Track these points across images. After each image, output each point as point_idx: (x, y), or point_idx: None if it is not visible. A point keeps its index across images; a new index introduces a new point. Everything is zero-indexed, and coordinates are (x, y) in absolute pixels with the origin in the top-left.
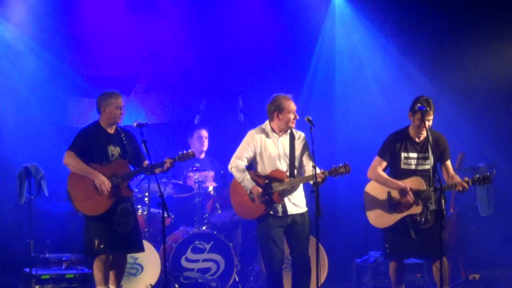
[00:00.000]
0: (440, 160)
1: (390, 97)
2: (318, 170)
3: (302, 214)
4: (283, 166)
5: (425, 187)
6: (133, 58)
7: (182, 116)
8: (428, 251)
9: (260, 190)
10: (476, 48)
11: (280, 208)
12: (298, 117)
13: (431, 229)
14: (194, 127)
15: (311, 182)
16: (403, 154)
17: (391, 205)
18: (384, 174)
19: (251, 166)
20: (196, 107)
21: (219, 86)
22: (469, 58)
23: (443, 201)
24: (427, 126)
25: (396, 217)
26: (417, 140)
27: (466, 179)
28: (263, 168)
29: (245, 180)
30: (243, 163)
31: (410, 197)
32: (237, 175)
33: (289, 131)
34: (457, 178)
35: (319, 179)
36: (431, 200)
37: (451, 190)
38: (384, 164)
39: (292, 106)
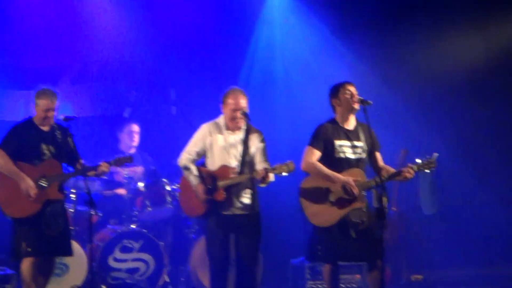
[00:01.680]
0: (371, 151)
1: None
2: (261, 166)
3: (250, 215)
4: (233, 163)
5: (366, 179)
6: (60, 48)
7: (111, 108)
8: (365, 254)
9: (203, 188)
10: (425, 40)
11: (227, 206)
12: (239, 116)
13: (369, 230)
14: (124, 120)
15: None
16: (336, 142)
17: (332, 201)
18: (322, 166)
19: (203, 162)
20: (126, 99)
21: (151, 78)
22: (418, 51)
23: (384, 198)
24: (356, 98)
25: (339, 213)
26: (346, 127)
27: (410, 164)
28: (213, 163)
29: (191, 176)
30: (192, 158)
31: (356, 190)
32: (184, 170)
33: (244, 127)
34: (391, 169)
35: (259, 177)
36: (373, 197)
37: (394, 179)
38: (318, 154)
39: (239, 101)
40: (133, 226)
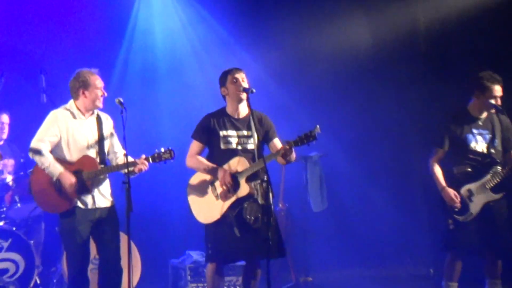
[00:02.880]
0: (266, 140)
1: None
2: (121, 154)
3: (110, 208)
4: (92, 152)
5: (247, 165)
6: None
7: None
8: (253, 252)
9: (73, 179)
10: (310, 26)
11: (89, 200)
12: (106, 94)
13: (260, 228)
14: None
15: (124, 172)
16: (222, 132)
17: (216, 195)
18: (203, 159)
19: (53, 152)
20: None
21: (19, 63)
22: (303, 38)
23: (270, 194)
24: (242, 84)
25: (224, 205)
26: (236, 116)
27: (289, 141)
28: (70, 154)
29: (52, 165)
30: (47, 147)
31: (227, 177)
32: (40, 159)
33: (96, 112)
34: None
35: (143, 166)
36: (258, 193)
37: (274, 159)
38: (201, 146)
39: (99, 82)
40: (1, 223)
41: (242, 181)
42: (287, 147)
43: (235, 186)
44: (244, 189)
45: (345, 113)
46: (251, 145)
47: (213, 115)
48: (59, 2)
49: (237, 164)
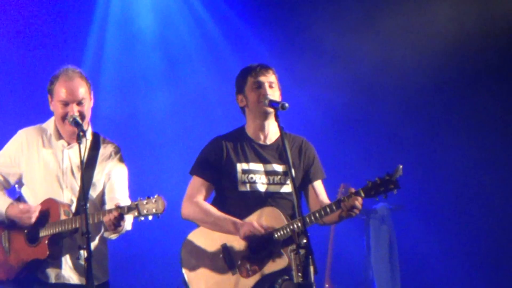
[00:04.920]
0: (305, 179)
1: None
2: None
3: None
4: (67, 195)
5: (285, 222)
6: None
7: None
8: None
9: (22, 206)
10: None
11: (52, 270)
12: (74, 114)
13: None
14: None
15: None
16: (240, 166)
17: (231, 264)
18: (210, 207)
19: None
20: None
21: None
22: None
23: (312, 268)
24: (268, 93)
25: (246, 284)
26: (262, 141)
27: (353, 190)
28: (34, 196)
29: None
30: None
31: (261, 230)
32: None
33: (90, 137)
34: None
35: (106, 220)
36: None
37: (328, 221)
38: (207, 186)
39: (63, 91)
40: None
41: (279, 245)
42: (355, 200)
43: (266, 253)
44: (280, 261)
45: (426, 149)
46: (288, 187)
47: (226, 138)
48: None
49: (269, 218)
